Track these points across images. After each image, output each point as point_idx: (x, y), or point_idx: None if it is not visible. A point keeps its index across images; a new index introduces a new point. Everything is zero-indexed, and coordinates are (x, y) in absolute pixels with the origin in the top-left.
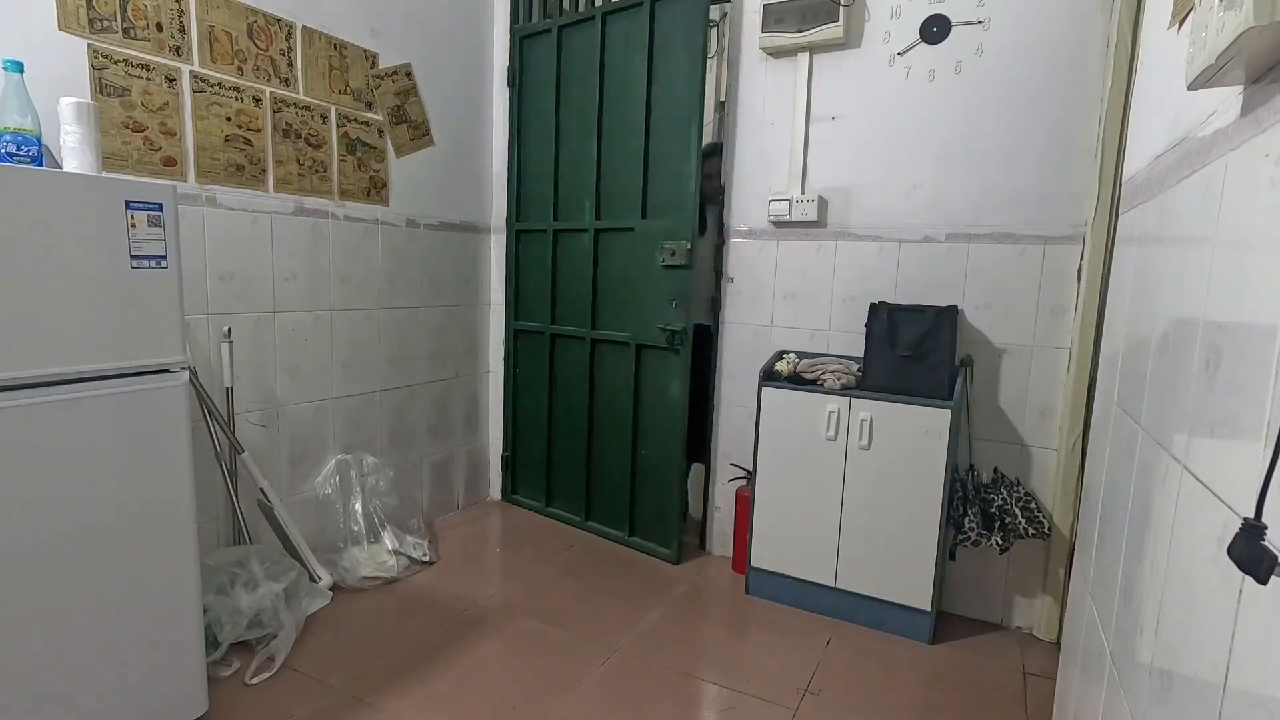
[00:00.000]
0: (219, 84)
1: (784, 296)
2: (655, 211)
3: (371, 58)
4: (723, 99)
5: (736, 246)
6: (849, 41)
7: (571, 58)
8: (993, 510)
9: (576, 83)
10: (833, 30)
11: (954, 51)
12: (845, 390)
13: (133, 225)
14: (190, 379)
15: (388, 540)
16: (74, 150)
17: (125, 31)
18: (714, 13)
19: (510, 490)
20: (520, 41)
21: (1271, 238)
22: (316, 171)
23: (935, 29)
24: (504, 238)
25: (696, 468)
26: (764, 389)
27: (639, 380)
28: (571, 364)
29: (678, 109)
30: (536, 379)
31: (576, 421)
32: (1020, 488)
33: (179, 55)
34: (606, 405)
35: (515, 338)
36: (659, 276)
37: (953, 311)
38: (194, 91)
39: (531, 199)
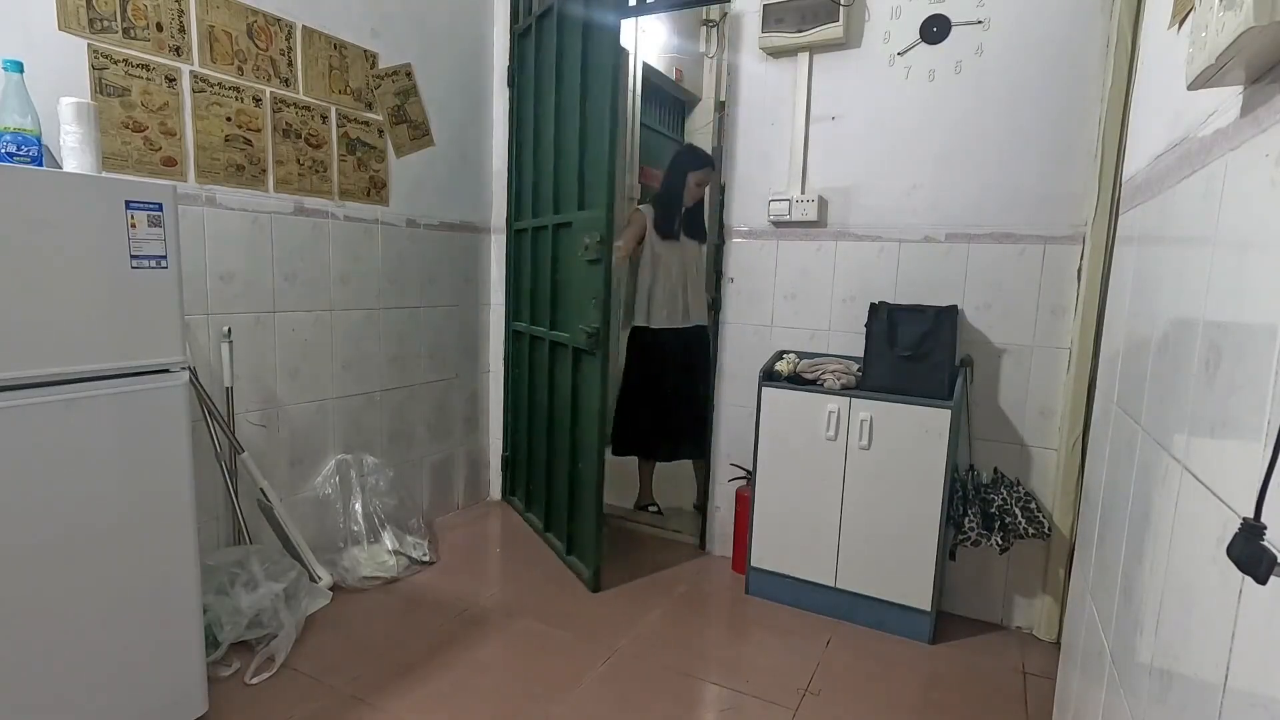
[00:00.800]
0: (219, 84)
1: (784, 296)
2: (589, 202)
3: (371, 58)
4: (723, 99)
5: (736, 246)
6: (849, 41)
7: (541, 48)
8: (993, 510)
9: (545, 73)
10: (833, 30)
11: (954, 51)
12: (845, 390)
13: (133, 225)
14: (190, 379)
15: (388, 540)
16: (74, 150)
17: (125, 31)
18: (714, 12)
19: (509, 490)
20: (519, 40)
21: (1271, 238)
22: (316, 171)
23: (935, 29)
24: (504, 237)
25: (691, 464)
26: (764, 389)
27: (575, 385)
28: (538, 366)
29: (601, 87)
30: (520, 380)
31: (540, 426)
32: (1020, 488)
33: (179, 55)
34: (558, 411)
35: (514, 338)
36: (585, 273)
37: (953, 311)
38: (194, 91)
39: (524, 197)
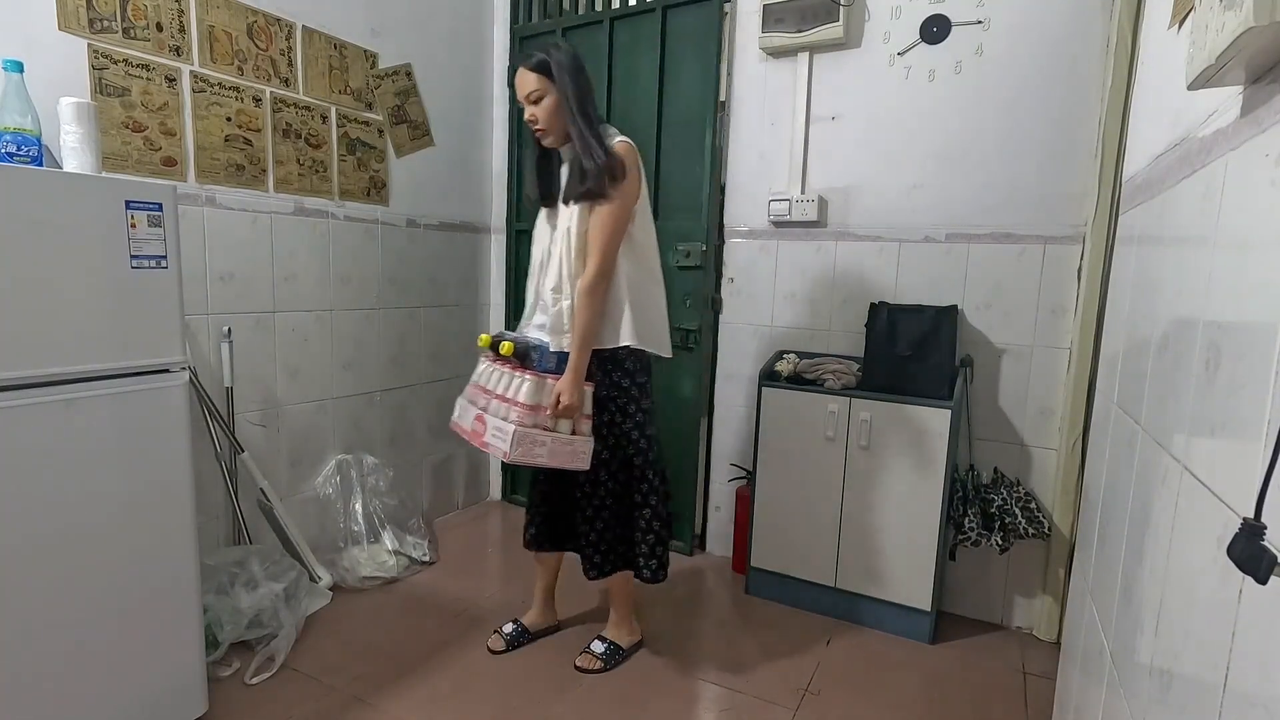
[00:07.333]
0: (219, 84)
1: (784, 296)
2: (666, 213)
3: (371, 58)
4: (723, 99)
5: (736, 246)
6: (849, 41)
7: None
8: (993, 510)
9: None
10: (833, 30)
11: (954, 51)
12: (845, 390)
13: (133, 225)
14: (190, 379)
15: (388, 540)
16: (74, 150)
17: (125, 31)
18: None
19: (510, 490)
20: (520, 42)
21: (1271, 238)
22: (316, 171)
23: (935, 29)
24: (504, 238)
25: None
26: (764, 389)
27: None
28: None
29: (689, 113)
30: None
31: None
32: (1020, 488)
33: (179, 55)
34: None
35: None
36: (672, 277)
37: (953, 311)
38: (194, 91)
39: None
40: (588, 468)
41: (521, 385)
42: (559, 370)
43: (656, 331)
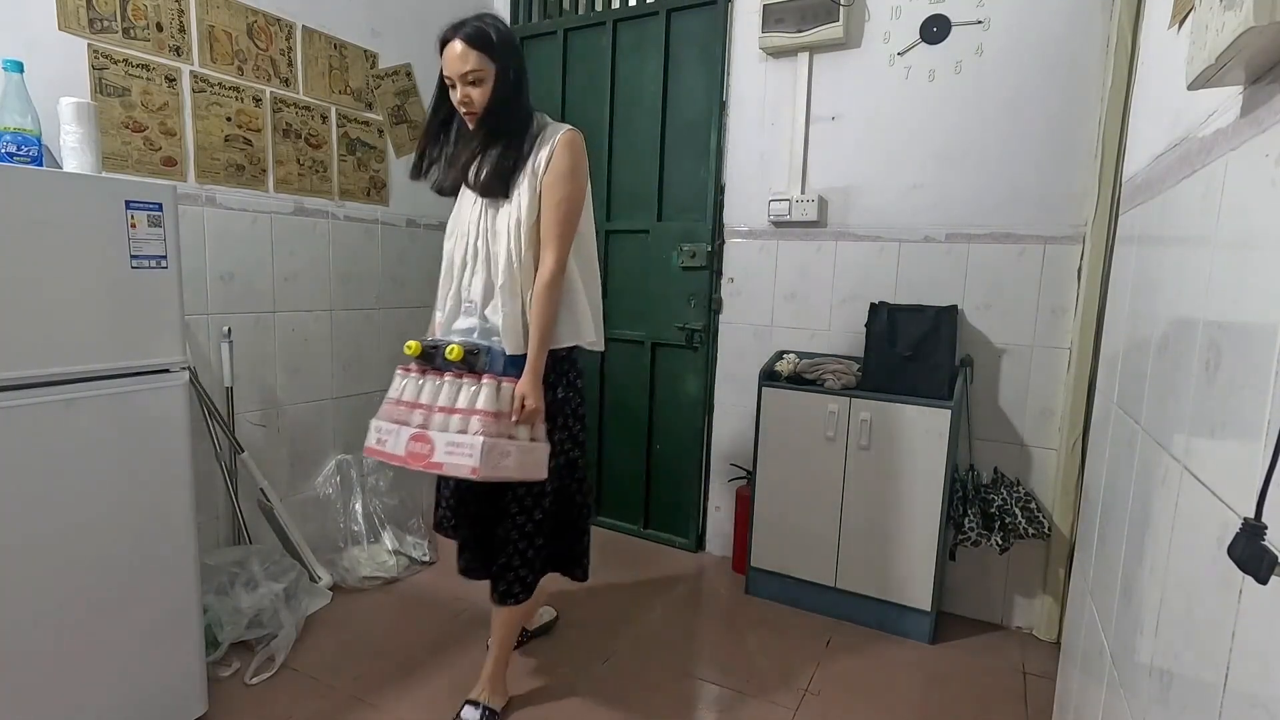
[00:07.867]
0: (219, 84)
1: (784, 296)
2: (671, 215)
3: (371, 58)
4: (723, 99)
5: (736, 246)
6: (849, 41)
7: (577, 61)
8: (993, 510)
9: (583, 86)
10: (833, 30)
11: (954, 51)
12: (845, 390)
13: (133, 225)
14: (190, 379)
15: (388, 540)
16: (74, 150)
17: (125, 31)
18: None
19: None
20: (520, 42)
21: (1271, 238)
22: (316, 171)
23: (935, 29)
24: None
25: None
26: (764, 389)
27: (654, 378)
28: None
29: (694, 114)
30: None
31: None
32: (1020, 488)
33: (179, 55)
34: (617, 403)
35: None
36: (676, 277)
37: (953, 311)
38: (194, 91)
39: None
40: (546, 476)
41: (479, 392)
42: (508, 373)
43: (599, 327)
